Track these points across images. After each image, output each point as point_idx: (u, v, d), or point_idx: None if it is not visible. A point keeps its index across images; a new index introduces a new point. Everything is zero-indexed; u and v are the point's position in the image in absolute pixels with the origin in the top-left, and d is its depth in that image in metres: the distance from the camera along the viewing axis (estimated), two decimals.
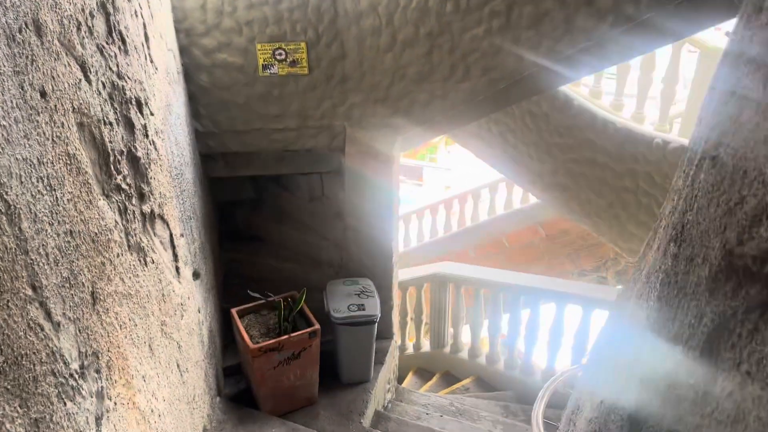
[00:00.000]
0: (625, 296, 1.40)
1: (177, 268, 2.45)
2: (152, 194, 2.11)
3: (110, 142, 1.69)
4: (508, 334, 5.19)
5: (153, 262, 2.07)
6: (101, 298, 1.52)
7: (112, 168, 1.70)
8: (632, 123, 4.43)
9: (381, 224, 3.62)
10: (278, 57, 3.09)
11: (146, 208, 2.03)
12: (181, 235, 2.59)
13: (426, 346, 5.81)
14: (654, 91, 5.46)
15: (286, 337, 3.06)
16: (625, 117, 4.76)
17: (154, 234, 2.13)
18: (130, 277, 1.79)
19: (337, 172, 3.60)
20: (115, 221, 1.70)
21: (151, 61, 2.35)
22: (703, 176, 0.86)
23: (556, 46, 2.59)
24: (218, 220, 3.91)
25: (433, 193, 13.16)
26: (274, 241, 4.13)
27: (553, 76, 2.85)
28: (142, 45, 2.18)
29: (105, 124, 1.66)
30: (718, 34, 6.40)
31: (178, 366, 2.35)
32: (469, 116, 3.57)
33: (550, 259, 7.82)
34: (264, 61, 3.10)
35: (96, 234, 1.52)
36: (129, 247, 1.80)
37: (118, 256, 1.69)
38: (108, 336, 1.55)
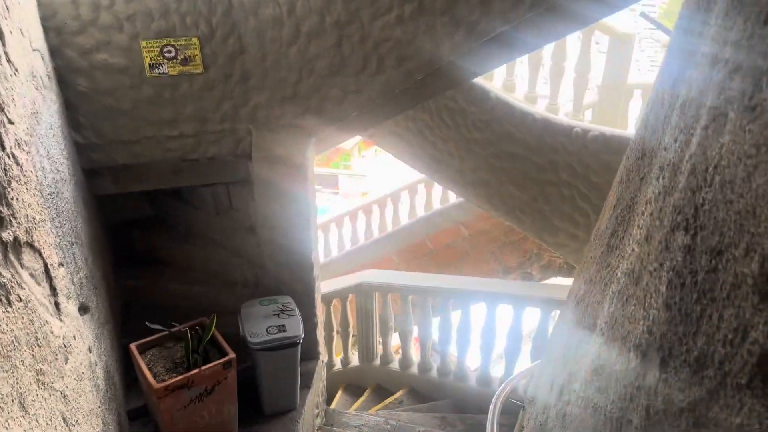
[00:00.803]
0: (586, 298, 1.27)
1: (56, 304, 2.12)
2: (15, 218, 1.80)
3: None
4: (440, 340, 5.13)
5: (20, 299, 1.75)
6: None
7: None
8: (550, 114, 4.46)
9: (298, 235, 3.40)
10: (167, 55, 2.80)
11: (7, 236, 1.71)
12: (61, 264, 2.26)
13: (355, 360, 5.67)
14: (567, 81, 5.60)
15: (196, 371, 2.77)
16: (540, 109, 4.82)
17: (21, 266, 1.81)
18: None
19: (245, 181, 3.35)
20: None
21: (9, 61, 2.03)
22: (729, 138, 0.68)
23: (474, 30, 2.49)
24: (111, 244, 3.54)
25: (351, 201, 13.03)
26: (178, 263, 3.80)
27: (471, 65, 2.76)
28: None
29: None
30: (629, 20, 6.64)
31: (64, 420, 2.03)
32: (386, 112, 3.44)
33: (475, 259, 7.87)
34: (151, 60, 2.81)
35: None
36: None
37: None
38: None
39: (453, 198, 8.04)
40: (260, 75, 2.90)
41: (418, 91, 3.11)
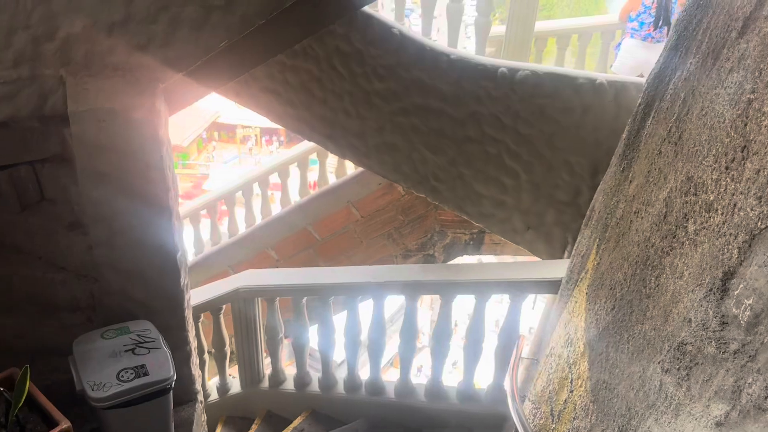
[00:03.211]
0: None
1: None
2: None
3: None
4: (346, 346, 4.54)
5: None
6: None
7: None
8: (468, 53, 3.91)
9: (153, 227, 2.54)
10: None
11: None
12: None
13: (236, 385, 4.90)
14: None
15: None
16: None
17: None
18: None
19: (60, 157, 2.41)
20: None
21: None
22: None
23: None
24: None
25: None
26: None
27: None
28: None
29: None
30: None
31: None
32: (267, 46, 2.70)
33: (370, 245, 7.33)
34: None
35: None
36: None
37: None
38: None
39: (335, 177, 7.40)
40: None
41: (311, 12, 2.40)
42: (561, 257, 4.28)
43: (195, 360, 3.23)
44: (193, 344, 3.20)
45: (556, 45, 6.30)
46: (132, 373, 2.40)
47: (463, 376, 4.22)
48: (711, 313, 1.11)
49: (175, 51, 2.30)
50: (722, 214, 1.17)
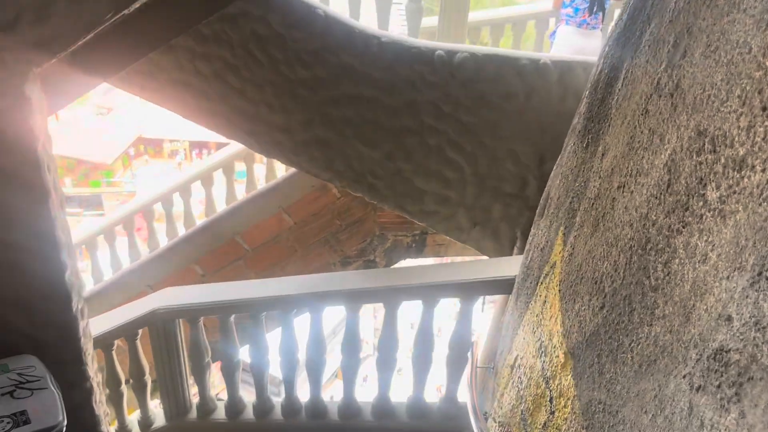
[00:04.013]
0: None
1: None
2: None
3: None
4: (282, 366, 4.16)
5: None
6: None
7: None
8: (402, 36, 3.60)
9: (33, 242, 2.09)
10: None
11: None
12: None
13: (160, 418, 4.45)
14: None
15: None
16: None
17: None
18: None
19: None
20: None
21: None
22: None
23: None
24: None
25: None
26: None
27: None
28: None
29: None
30: None
31: None
32: (158, 30, 2.31)
33: (305, 252, 6.92)
34: None
35: None
36: None
37: None
38: None
39: (265, 182, 6.96)
40: None
41: None
42: (510, 254, 4.02)
43: (100, 398, 2.77)
44: (96, 379, 2.74)
45: (490, 35, 6.13)
46: (9, 422, 1.96)
47: (413, 389, 3.89)
48: (766, 305, 0.81)
49: (50, 28, 1.87)
50: (763, 170, 0.88)
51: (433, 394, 4.32)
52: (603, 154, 1.69)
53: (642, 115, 1.38)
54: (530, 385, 1.75)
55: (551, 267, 1.92)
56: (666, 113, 1.23)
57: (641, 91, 1.43)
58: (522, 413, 1.79)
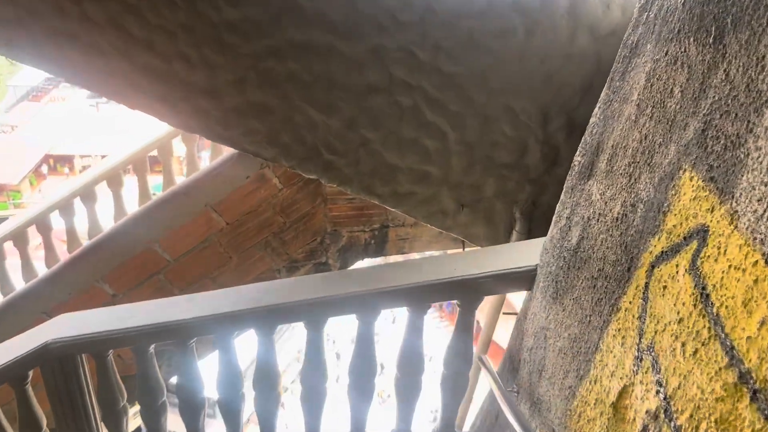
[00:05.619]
0: None
1: None
2: None
3: None
4: (222, 398, 3.39)
5: None
6: None
7: None
8: None
9: None
10: None
11: None
12: None
13: None
14: None
15: None
16: None
17: None
18: None
19: None
20: None
21: None
22: None
23: None
24: None
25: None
26: None
27: None
28: None
29: None
30: None
31: None
32: None
33: (241, 259, 6.17)
34: None
35: None
36: None
37: None
38: None
39: (191, 171, 6.12)
40: None
41: None
42: (506, 241, 3.33)
43: None
44: None
45: None
46: None
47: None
48: None
49: None
50: None
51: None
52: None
53: None
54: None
55: (687, 238, 1.19)
56: None
57: None
58: None
